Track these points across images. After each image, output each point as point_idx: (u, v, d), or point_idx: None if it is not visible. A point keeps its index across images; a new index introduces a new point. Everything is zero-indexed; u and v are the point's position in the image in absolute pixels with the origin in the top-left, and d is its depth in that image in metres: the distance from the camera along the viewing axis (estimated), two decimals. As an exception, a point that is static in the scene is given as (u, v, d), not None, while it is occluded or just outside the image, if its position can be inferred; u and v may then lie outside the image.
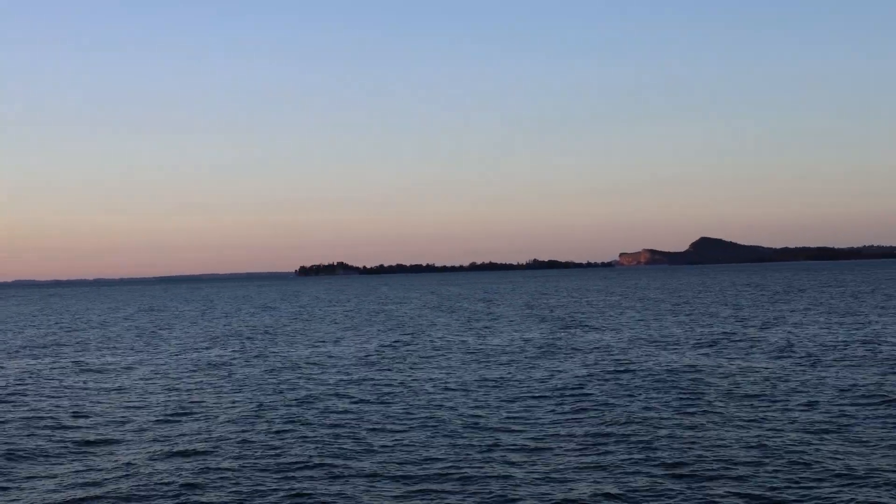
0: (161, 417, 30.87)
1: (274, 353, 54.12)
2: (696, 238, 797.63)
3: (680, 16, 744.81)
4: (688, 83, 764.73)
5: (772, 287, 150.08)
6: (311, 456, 24.07)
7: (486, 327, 71.06)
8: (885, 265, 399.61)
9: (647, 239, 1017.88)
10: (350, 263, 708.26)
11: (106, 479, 22.20)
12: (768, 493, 19.61)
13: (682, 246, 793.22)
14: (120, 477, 22.45)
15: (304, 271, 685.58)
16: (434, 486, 20.93)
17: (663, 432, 25.82)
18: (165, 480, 21.98)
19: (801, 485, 20.27)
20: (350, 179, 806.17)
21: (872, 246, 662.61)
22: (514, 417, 29.00)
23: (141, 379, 42.41)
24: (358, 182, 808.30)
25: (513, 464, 22.63)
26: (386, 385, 37.73)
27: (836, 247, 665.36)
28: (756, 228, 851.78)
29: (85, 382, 41.49)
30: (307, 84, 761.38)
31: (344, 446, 25.27)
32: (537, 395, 33.78)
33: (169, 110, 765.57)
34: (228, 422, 29.47)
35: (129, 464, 23.75)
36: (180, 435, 27.59)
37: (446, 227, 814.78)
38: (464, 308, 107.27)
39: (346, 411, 30.81)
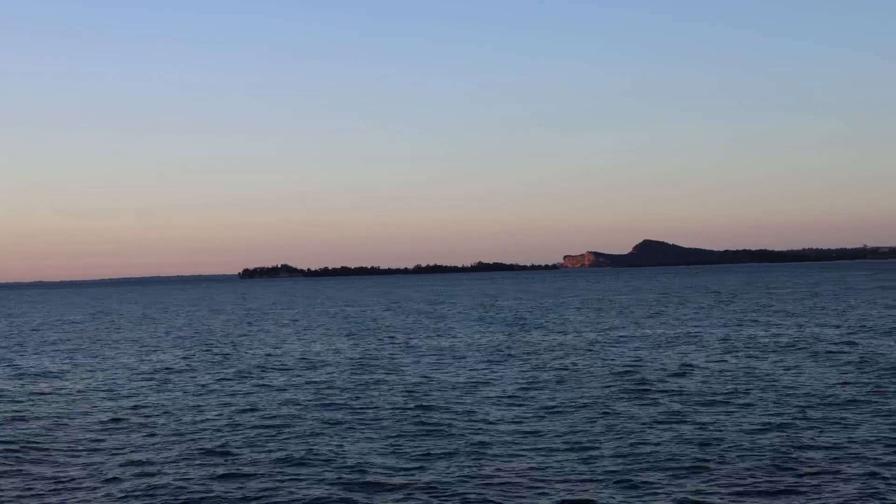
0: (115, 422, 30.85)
1: (231, 355, 54.61)
2: (638, 241, 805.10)
3: (628, 20, 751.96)
4: (631, 89, 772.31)
5: (713, 288, 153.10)
6: (289, 457, 24.43)
7: (479, 330, 71.67)
8: (824, 268, 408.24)
9: (591, 242, 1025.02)
10: (294, 266, 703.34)
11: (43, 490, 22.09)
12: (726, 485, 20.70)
13: (625, 249, 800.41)
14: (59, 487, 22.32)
15: (248, 274, 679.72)
16: (422, 487, 21.30)
17: (644, 428, 27.19)
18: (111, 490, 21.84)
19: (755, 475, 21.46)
20: (292, 181, 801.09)
21: (812, 249, 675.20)
22: (504, 417, 29.94)
23: (92, 384, 42.65)
24: (301, 184, 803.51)
25: (503, 463, 23.21)
26: (364, 385, 38.74)
27: (776, 250, 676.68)
28: (698, 231, 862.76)
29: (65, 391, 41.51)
30: (253, 85, 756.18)
31: (331, 446, 25.71)
32: (515, 393, 34.87)
33: (110, 112, 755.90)
34: (177, 432, 29.06)
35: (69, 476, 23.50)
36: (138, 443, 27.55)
37: (390, 230, 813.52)
38: (449, 315, 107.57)
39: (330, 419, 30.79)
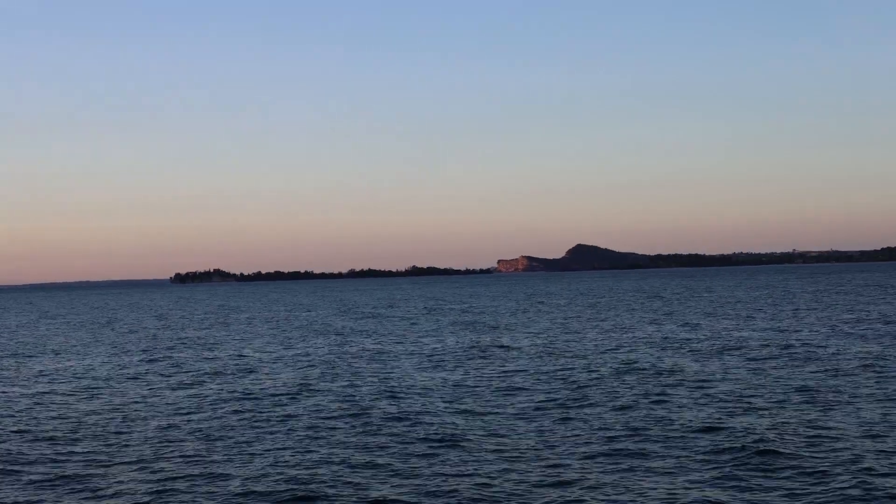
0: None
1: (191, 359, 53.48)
2: (572, 245, 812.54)
3: (560, 25, 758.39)
4: (566, 94, 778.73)
5: (655, 291, 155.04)
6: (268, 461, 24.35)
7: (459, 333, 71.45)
8: (754, 271, 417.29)
9: (525, 246, 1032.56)
10: (226, 270, 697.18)
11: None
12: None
13: (558, 253, 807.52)
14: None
15: (180, 278, 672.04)
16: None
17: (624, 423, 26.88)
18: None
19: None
20: (224, 184, 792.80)
21: (741, 253, 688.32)
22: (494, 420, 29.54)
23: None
24: (232, 187, 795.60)
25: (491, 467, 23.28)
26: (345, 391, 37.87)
27: (706, 254, 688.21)
28: (630, 236, 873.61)
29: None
30: (181, 86, 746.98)
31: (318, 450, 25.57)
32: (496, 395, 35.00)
33: (39, 113, 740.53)
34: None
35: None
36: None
37: (324, 233, 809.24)
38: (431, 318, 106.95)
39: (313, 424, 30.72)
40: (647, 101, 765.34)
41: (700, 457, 23.58)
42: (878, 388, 33.54)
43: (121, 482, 22.86)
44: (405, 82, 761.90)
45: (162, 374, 45.87)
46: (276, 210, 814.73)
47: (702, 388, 35.41)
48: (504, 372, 42.34)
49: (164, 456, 25.55)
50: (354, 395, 36.09)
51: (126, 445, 27.38)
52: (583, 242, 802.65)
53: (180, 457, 25.28)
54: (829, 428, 26.63)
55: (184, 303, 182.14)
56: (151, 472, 23.62)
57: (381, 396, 35.61)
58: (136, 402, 36.22)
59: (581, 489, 21.00)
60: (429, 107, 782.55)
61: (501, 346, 55.70)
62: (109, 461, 25.28)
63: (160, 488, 22.02)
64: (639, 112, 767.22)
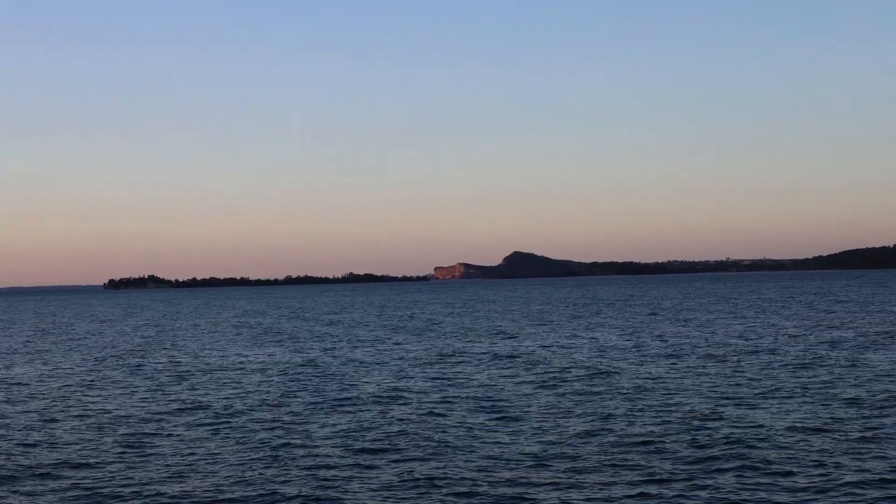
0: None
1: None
2: (509, 252, 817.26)
3: (494, 25, 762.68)
4: (501, 102, 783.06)
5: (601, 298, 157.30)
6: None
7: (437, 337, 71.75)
8: (688, 279, 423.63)
9: (462, 253, 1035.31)
10: (161, 276, 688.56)
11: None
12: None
13: (495, 260, 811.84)
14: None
15: (114, 284, 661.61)
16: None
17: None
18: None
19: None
20: (157, 189, 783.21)
21: (675, 261, 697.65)
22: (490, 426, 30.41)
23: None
24: (167, 191, 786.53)
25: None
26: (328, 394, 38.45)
27: (641, 262, 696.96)
28: (566, 243, 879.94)
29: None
30: (111, 88, 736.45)
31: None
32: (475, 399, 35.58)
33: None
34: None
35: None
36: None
37: (258, 239, 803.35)
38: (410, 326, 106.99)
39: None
40: (583, 110, 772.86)
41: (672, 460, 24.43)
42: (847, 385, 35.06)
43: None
44: (344, 89, 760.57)
45: (157, 389, 45.50)
46: (211, 216, 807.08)
47: (674, 392, 36.48)
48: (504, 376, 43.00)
49: (154, 463, 25.84)
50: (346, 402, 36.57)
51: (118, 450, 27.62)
52: (519, 250, 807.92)
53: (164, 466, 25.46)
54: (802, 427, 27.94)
55: (132, 309, 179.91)
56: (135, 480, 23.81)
57: (377, 401, 36.14)
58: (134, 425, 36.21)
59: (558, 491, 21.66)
60: (365, 114, 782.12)
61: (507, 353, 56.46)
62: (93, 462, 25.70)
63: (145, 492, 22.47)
64: (574, 121, 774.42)
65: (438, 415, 31.78)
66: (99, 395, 40.30)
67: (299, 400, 36.67)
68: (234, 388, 41.43)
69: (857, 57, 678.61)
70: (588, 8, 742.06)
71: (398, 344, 65.21)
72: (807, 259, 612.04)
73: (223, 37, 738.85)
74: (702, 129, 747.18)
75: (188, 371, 49.78)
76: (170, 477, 23.66)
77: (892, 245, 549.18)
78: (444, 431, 28.45)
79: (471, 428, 29.05)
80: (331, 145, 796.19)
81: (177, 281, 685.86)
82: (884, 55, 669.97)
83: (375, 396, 37.16)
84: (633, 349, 55.82)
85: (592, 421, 29.88)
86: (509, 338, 68.33)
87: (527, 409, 32.55)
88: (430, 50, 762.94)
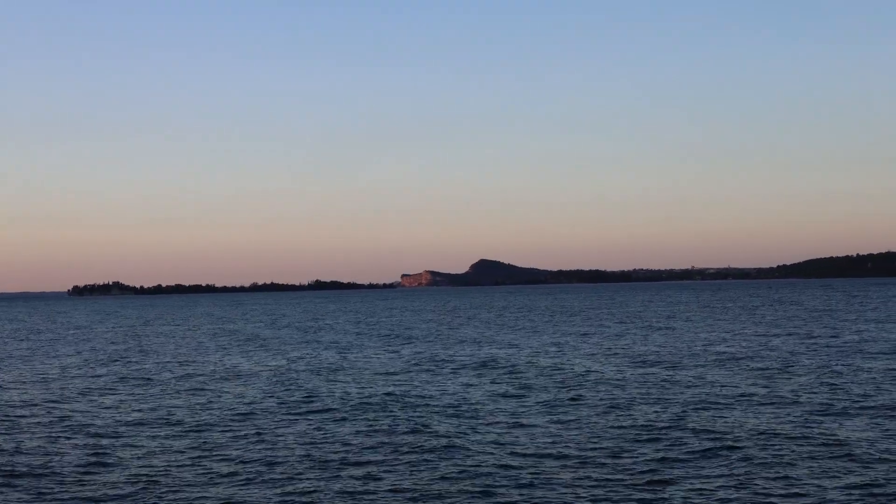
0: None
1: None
2: (475, 260, 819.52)
3: (460, 30, 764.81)
4: (468, 108, 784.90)
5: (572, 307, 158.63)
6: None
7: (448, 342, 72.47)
8: (652, 287, 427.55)
9: (428, 260, 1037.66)
10: (126, 283, 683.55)
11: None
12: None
13: (462, 268, 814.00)
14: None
15: (78, 291, 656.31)
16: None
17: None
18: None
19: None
20: (122, 194, 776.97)
21: (641, 269, 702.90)
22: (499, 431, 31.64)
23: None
24: (131, 197, 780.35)
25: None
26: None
27: (607, 270, 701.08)
28: (532, 251, 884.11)
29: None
30: (68, 94, 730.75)
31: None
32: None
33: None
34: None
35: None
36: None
37: (225, 246, 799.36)
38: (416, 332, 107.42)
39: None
40: (550, 119, 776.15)
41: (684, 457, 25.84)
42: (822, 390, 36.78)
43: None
44: (307, 94, 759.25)
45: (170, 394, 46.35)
46: (175, 222, 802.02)
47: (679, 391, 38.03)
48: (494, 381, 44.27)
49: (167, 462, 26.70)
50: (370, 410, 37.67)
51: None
52: (486, 258, 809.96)
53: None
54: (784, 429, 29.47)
55: (106, 316, 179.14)
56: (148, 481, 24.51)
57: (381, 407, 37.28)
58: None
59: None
60: (331, 120, 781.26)
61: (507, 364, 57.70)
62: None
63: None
64: (540, 129, 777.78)
65: (425, 424, 32.22)
66: (74, 403, 40.15)
67: (298, 408, 37.20)
68: (216, 396, 41.95)
69: (822, 68, 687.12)
70: (554, 14, 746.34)
71: (394, 351, 66.26)
72: (771, 268, 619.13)
73: (194, 41, 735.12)
74: (668, 139, 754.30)
75: (170, 378, 50.51)
76: (143, 487, 23.88)
77: (855, 255, 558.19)
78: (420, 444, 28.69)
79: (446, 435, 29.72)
80: (297, 151, 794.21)
81: (142, 287, 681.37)
82: (848, 66, 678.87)
83: (362, 403, 37.80)
84: (609, 356, 57.34)
85: (558, 429, 30.67)
86: (509, 346, 69.63)
87: (493, 418, 33.35)
88: (395, 55, 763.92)
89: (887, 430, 29.03)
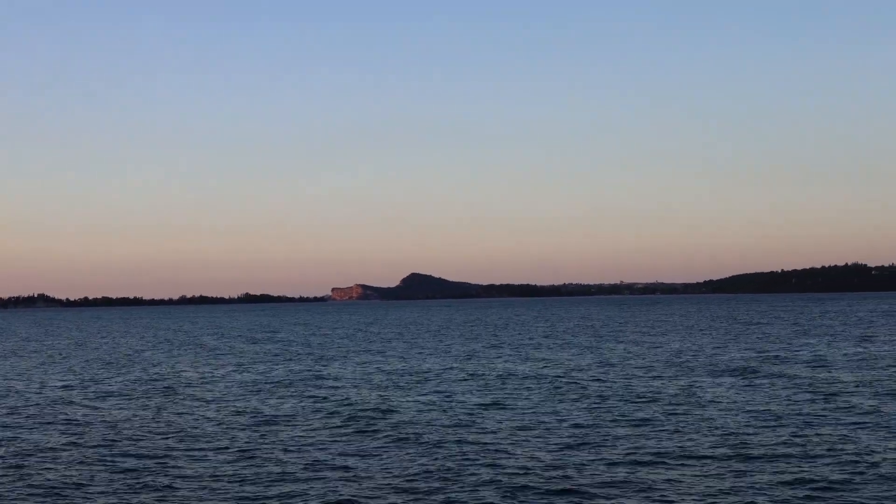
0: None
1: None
2: (406, 273, 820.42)
3: (389, 41, 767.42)
4: (396, 122, 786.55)
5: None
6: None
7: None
8: (583, 301, 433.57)
9: (359, 274, 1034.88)
10: (51, 295, 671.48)
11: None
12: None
13: (393, 281, 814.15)
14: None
15: (2, 303, 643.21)
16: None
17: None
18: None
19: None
20: (46, 204, 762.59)
21: (571, 284, 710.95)
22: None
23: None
24: (55, 207, 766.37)
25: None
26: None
27: (538, 284, 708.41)
28: (463, 265, 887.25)
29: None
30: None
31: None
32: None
33: None
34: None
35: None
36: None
37: (152, 259, 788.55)
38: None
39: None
40: (483, 132, 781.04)
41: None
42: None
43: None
44: (237, 105, 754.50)
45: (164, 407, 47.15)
46: (101, 234, 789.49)
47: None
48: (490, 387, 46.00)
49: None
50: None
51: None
52: (417, 271, 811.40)
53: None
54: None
55: (52, 329, 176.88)
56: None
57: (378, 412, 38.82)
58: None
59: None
60: (261, 133, 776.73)
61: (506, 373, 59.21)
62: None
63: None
64: (472, 142, 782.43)
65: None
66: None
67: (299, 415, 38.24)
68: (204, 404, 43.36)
69: (751, 86, 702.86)
70: (493, 25, 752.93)
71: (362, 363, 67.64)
72: (698, 283, 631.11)
73: (123, 48, 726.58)
74: (598, 155, 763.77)
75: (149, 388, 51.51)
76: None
77: (779, 270, 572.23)
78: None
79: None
80: (226, 162, 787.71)
81: (68, 300, 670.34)
82: (777, 85, 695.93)
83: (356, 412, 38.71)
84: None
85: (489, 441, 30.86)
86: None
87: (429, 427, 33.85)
88: (327, 64, 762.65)
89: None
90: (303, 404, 41.67)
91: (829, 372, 51.82)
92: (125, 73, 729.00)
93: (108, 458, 28.83)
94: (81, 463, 28.26)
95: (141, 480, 25.48)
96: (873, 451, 27.53)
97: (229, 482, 24.94)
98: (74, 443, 31.88)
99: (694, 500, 22.20)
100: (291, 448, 29.94)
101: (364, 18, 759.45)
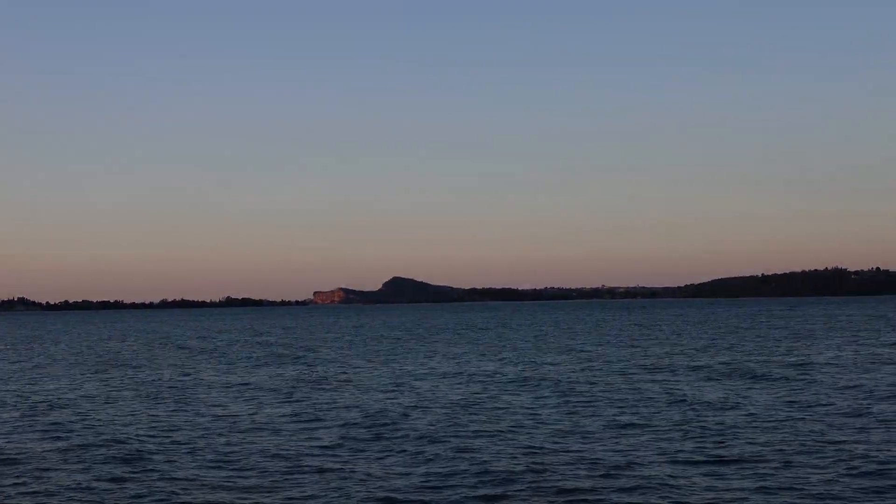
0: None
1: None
2: (388, 277, 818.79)
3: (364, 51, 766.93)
4: (384, 124, 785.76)
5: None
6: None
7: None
8: (563, 305, 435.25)
9: (342, 277, 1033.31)
10: (31, 299, 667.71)
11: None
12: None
13: (375, 285, 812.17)
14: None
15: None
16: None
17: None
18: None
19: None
20: (24, 207, 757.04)
21: (552, 288, 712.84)
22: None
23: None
24: (33, 210, 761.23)
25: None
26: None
27: (519, 288, 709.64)
28: (446, 269, 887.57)
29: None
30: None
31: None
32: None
33: None
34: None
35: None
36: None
37: (133, 262, 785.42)
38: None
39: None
40: (462, 137, 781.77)
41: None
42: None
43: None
44: (213, 107, 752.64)
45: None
46: (81, 237, 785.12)
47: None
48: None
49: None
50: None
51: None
52: (399, 275, 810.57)
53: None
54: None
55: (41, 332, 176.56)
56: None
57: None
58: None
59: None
60: (243, 135, 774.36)
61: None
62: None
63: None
64: (451, 146, 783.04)
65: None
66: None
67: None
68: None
69: (716, 92, 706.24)
70: (471, 28, 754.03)
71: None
72: (679, 287, 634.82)
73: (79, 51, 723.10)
74: (577, 160, 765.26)
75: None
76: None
77: (759, 274, 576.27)
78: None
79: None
80: (207, 166, 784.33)
81: (48, 304, 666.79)
82: (740, 91, 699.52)
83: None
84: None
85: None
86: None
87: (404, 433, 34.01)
88: (305, 63, 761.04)
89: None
90: (290, 410, 41.83)
91: (808, 374, 53.29)
92: (103, 73, 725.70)
93: (91, 462, 29.32)
94: (65, 466, 28.78)
95: (124, 486, 25.72)
96: (860, 451, 28.62)
97: (208, 488, 25.25)
98: (58, 448, 31.90)
99: (691, 500, 23.22)
100: (270, 453, 30.22)
101: (341, 21, 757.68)
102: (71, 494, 24.74)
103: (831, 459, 27.42)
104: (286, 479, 26.13)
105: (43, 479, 26.81)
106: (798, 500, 22.91)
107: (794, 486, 24.16)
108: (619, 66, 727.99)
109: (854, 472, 25.75)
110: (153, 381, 58.40)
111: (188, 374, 62.54)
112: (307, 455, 29.80)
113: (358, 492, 24.36)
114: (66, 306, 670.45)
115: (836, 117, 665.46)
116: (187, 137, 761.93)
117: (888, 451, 28.54)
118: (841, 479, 24.85)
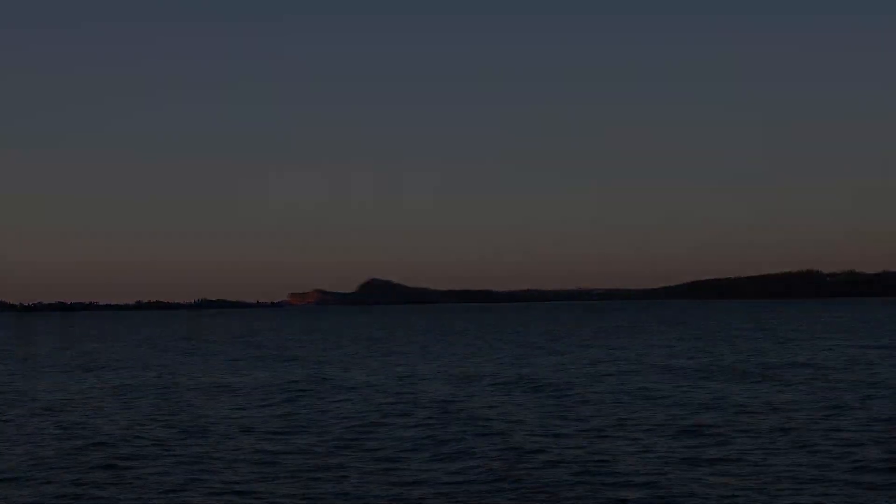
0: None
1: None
2: (364, 279, 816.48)
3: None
4: (357, 127, 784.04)
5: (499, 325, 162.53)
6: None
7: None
8: (542, 308, 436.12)
9: (317, 279, 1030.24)
10: (3, 300, 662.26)
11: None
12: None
13: (351, 287, 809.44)
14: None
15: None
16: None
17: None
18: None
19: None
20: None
21: (530, 290, 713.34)
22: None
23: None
24: (6, 210, 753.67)
25: None
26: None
27: (496, 290, 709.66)
28: (423, 271, 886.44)
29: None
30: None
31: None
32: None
33: None
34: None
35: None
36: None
37: (107, 262, 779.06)
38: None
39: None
40: (441, 139, 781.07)
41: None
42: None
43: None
44: (189, 105, 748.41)
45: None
46: (54, 236, 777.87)
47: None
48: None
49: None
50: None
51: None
52: (375, 277, 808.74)
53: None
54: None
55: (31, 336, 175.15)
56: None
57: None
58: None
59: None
60: (219, 136, 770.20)
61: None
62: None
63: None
64: (430, 150, 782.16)
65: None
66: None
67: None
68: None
69: (687, 91, 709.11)
70: (443, 29, 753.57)
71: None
72: (655, 289, 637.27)
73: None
74: (553, 163, 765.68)
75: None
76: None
77: (735, 277, 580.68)
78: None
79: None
80: (182, 166, 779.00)
81: (21, 305, 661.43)
82: (710, 91, 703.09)
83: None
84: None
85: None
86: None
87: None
88: (280, 63, 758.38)
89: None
90: (271, 412, 41.83)
91: (785, 374, 53.96)
92: (62, 67, 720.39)
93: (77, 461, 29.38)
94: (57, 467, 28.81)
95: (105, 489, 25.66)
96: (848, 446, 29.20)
97: (188, 493, 25.21)
98: (36, 453, 31.54)
99: (675, 498, 23.48)
100: (249, 456, 30.28)
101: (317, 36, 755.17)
102: (51, 501, 24.60)
103: (807, 457, 27.96)
104: (264, 482, 26.15)
105: (20, 483, 26.62)
106: (778, 498, 23.26)
107: (774, 483, 24.59)
108: (642, 57, 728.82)
109: (834, 469, 26.25)
110: (134, 383, 58.15)
111: (169, 376, 62.40)
112: (285, 455, 29.96)
113: (334, 494, 24.46)
114: (40, 307, 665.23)
115: (815, 117, 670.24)
116: (163, 138, 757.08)
117: (867, 446, 29.23)
118: (821, 476, 25.36)
